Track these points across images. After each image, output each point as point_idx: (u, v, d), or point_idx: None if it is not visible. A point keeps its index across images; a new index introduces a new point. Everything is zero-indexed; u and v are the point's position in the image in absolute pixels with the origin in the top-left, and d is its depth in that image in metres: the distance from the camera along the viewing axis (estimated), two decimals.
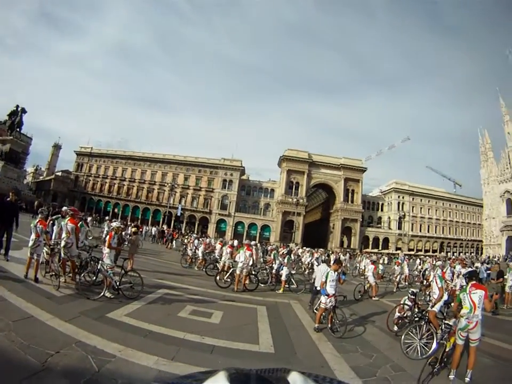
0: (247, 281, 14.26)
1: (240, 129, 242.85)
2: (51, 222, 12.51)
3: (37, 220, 10.12)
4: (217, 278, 14.36)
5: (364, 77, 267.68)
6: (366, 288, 15.78)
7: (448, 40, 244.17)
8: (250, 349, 6.94)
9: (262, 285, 15.11)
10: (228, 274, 14.51)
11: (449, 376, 6.30)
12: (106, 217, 34.99)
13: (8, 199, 12.56)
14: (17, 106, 52.82)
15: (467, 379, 6.20)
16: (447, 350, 6.55)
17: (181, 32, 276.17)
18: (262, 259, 21.91)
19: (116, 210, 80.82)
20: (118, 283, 9.53)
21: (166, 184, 78.00)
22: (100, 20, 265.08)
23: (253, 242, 18.31)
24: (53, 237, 11.40)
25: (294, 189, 77.54)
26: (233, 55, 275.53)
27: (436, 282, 9.02)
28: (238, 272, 13.59)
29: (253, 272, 15.05)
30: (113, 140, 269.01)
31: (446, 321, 7.34)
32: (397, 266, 19.87)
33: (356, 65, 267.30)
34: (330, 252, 30.85)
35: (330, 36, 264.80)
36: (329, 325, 8.87)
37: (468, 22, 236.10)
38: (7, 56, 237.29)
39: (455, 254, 78.17)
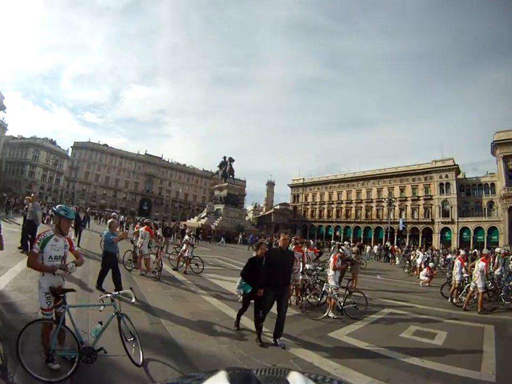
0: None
1: (438, 123, 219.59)
2: None
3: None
4: (452, 297, 13.06)
5: None
6: None
7: None
8: (469, 375, 5.92)
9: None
10: (463, 291, 12.91)
11: None
12: (334, 241, 36.29)
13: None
14: (225, 157, 61.10)
15: None
16: None
17: (344, 47, 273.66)
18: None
19: (337, 233, 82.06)
20: (342, 304, 9.53)
21: (383, 200, 75.03)
22: (268, 66, 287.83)
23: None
24: None
25: None
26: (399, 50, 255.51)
27: None
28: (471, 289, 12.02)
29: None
30: (321, 166, 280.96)
31: None
32: None
33: None
34: None
35: None
36: None
37: None
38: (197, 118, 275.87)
39: None
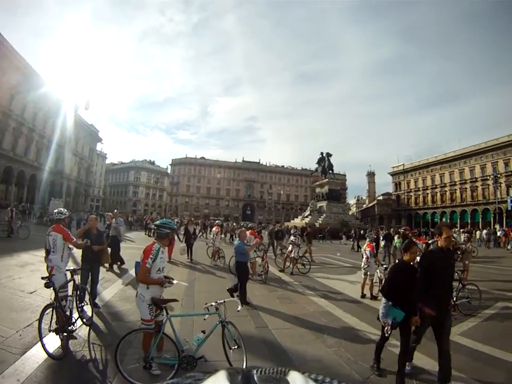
0: None
1: None
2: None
3: (365, 244, 11.06)
4: None
5: None
6: None
7: None
8: None
9: None
10: None
11: None
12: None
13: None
14: (322, 153, 59.50)
15: None
16: None
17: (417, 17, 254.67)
18: None
19: (443, 219, 75.80)
20: (454, 298, 8.83)
21: (487, 178, 65.97)
22: (346, 55, 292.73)
23: None
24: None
25: None
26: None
27: None
28: None
29: None
30: (420, 149, 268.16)
31: None
32: None
33: None
34: None
35: None
36: None
37: None
38: (287, 119, 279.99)
39: None
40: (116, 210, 16.01)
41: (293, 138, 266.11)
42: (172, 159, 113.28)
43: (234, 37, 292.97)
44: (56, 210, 6.78)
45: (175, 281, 5.04)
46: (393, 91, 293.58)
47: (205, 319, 4.95)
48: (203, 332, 4.81)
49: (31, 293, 8.41)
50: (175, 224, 5.26)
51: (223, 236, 28.71)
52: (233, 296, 8.71)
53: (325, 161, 58.59)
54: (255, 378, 0.93)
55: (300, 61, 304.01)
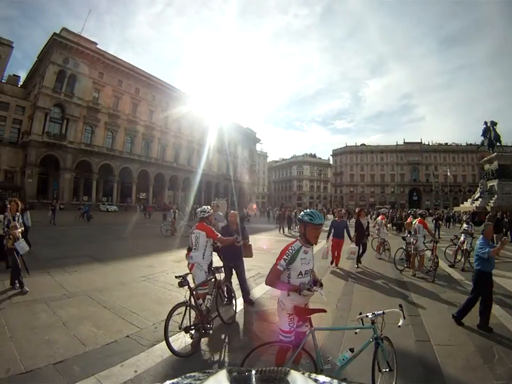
0: None
1: None
2: None
3: None
4: None
5: None
6: None
7: None
8: None
9: None
10: None
11: None
12: None
13: None
14: (486, 122, 49.53)
15: None
16: None
17: None
18: None
19: None
20: None
21: None
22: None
23: None
24: None
25: None
26: None
27: None
28: None
29: None
30: None
31: None
32: None
33: None
34: None
35: None
36: None
37: None
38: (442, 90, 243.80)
39: None
40: (213, 204, 11.53)
41: (451, 111, 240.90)
42: (333, 150, 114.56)
43: (362, 14, 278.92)
44: (199, 209, 6.66)
45: (318, 289, 3.84)
46: None
47: (356, 333, 4.07)
48: (351, 350, 3.79)
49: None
50: (311, 217, 3.83)
51: (389, 225, 26.86)
52: (460, 324, 6.87)
53: (490, 132, 48.84)
54: (255, 378, 0.96)
55: (437, 23, 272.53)
